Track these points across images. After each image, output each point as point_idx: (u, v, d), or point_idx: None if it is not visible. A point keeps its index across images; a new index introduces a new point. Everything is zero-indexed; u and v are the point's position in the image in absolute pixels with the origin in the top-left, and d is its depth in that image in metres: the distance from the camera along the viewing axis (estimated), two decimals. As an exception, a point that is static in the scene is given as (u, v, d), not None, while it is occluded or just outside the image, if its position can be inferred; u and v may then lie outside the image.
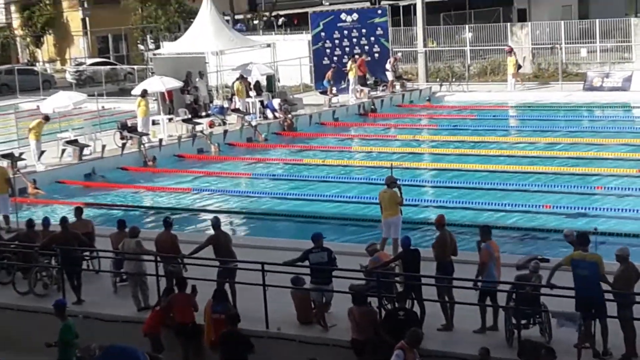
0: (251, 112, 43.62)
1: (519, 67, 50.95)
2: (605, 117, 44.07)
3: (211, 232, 20.02)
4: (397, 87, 50.06)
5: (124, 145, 37.78)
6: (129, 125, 39.33)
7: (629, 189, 29.25)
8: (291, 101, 45.64)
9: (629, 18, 56.53)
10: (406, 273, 17.77)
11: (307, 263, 18.14)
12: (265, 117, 43.45)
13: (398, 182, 22.28)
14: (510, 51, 51.39)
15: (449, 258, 17.89)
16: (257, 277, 18.15)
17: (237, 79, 44.45)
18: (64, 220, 21.23)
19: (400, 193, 21.92)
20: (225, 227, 20.77)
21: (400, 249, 18.98)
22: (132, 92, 43.42)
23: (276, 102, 43.96)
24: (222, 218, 24.34)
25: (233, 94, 44.90)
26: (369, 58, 50.32)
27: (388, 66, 49.88)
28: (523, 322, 16.53)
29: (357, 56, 49.33)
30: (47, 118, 36.14)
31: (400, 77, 50.85)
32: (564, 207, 27.67)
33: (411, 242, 18.16)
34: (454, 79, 52.37)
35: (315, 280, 18.10)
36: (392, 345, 15.62)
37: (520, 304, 16.43)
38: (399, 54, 53.15)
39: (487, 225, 18.48)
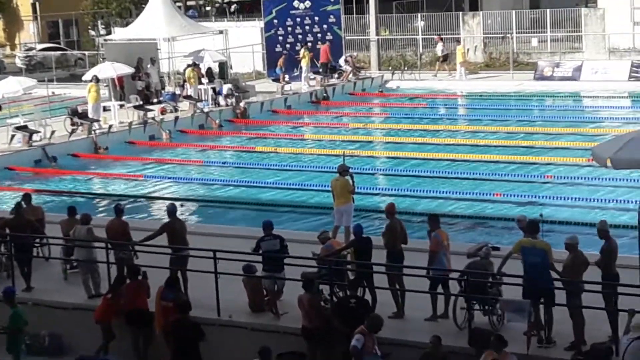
0: (203, 99, 43.44)
1: (445, 57, 51.37)
2: (556, 107, 44.46)
3: (163, 219, 19.92)
4: (350, 75, 50.06)
5: (73, 131, 37.52)
6: (80, 111, 39.01)
7: (578, 177, 29.53)
8: (243, 88, 45.54)
9: (579, 8, 56.93)
10: (358, 261, 17.83)
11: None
12: (218, 104, 43.31)
13: (350, 170, 22.33)
14: (440, 40, 51.85)
15: (399, 246, 17.97)
16: (209, 264, 18.13)
17: (189, 66, 44.25)
18: (18, 205, 21.08)
19: (352, 181, 21.97)
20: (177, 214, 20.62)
21: (352, 237, 19.03)
22: (83, 78, 43.04)
23: (226, 88, 43.79)
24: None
25: (185, 81, 44.70)
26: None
27: (342, 62, 49.89)
28: (477, 308, 16.70)
29: (309, 44, 49.26)
30: None
31: (353, 65, 50.80)
32: (514, 196, 27.88)
33: (363, 230, 18.21)
34: (406, 68, 52.50)
35: (267, 268, 18.11)
36: (343, 332, 15.71)
37: (473, 291, 16.57)
38: (355, 54, 53.10)
39: (436, 214, 18.63)
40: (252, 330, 17.63)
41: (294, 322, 17.26)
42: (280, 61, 47.99)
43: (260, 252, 18.10)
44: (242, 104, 42.80)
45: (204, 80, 44.45)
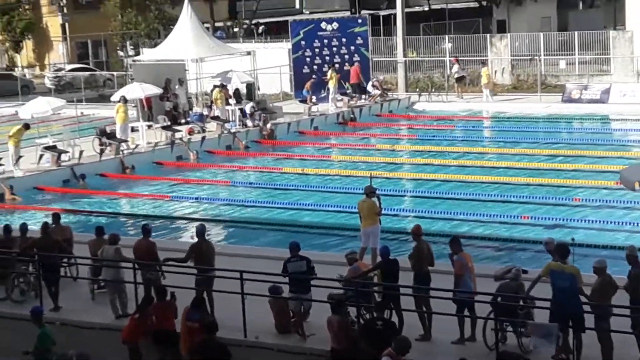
0: (230, 120, 43.57)
1: (460, 79, 51.30)
2: (584, 129, 44.28)
3: (190, 239, 19.95)
4: (378, 97, 50.13)
5: (102, 151, 37.72)
6: (108, 131, 39.27)
7: (606, 200, 29.38)
8: (270, 109, 45.62)
9: (607, 31, 56.85)
10: (385, 283, 17.80)
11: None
12: (245, 125, 43.41)
13: (377, 192, 22.30)
14: (456, 62, 51.85)
15: (426, 268, 17.92)
16: (236, 285, 18.13)
17: (216, 87, 44.39)
18: (45, 225, 21.17)
19: (379, 203, 21.96)
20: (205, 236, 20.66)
21: (379, 259, 19.00)
22: (112, 99, 43.36)
23: (248, 107, 43.84)
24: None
25: (212, 102, 44.89)
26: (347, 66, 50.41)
27: (370, 88, 49.93)
28: (509, 330, 16.68)
29: (337, 65, 49.38)
30: (27, 126, 36.00)
31: (381, 88, 50.83)
32: (542, 218, 27.75)
33: (390, 252, 18.18)
34: (433, 89, 52.50)
35: (294, 289, 18.10)
36: (370, 355, 15.64)
37: (504, 314, 16.52)
38: (382, 77, 53.13)
39: (457, 236, 18.49)
40: (279, 351, 17.61)
41: (321, 343, 17.24)
42: (308, 85, 47.99)
43: (287, 273, 18.10)
44: (269, 125, 42.87)
45: (232, 101, 44.59)
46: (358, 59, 51.07)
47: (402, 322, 17.33)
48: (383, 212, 22.36)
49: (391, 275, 17.74)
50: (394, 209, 28.50)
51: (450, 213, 28.88)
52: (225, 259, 21.09)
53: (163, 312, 17.90)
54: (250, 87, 47.47)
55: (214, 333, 16.63)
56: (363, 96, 49.75)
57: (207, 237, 20.11)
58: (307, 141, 43.03)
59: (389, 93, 51.61)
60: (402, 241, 25.13)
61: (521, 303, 16.79)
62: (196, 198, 32.86)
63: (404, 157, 39.36)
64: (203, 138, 41.11)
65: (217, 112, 43.54)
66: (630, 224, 26.88)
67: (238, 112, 43.87)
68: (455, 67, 52.06)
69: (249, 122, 43.41)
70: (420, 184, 33.41)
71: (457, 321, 17.25)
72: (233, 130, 42.28)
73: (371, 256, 21.45)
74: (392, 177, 34.48)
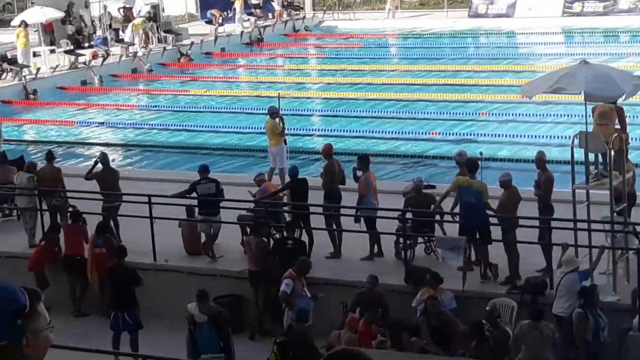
0: (135, 42, 42.76)
1: None
2: (490, 44, 44.49)
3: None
4: (285, 15, 49.59)
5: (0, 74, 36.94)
6: (9, 57, 38.35)
7: (511, 114, 29.65)
8: (176, 31, 44.92)
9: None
10: (294, 202, 17.78)
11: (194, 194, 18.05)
12: (146, 48, 42.62)
13: (280, 112, 22.01)
14: None
15: (337, 187, 17.93)
16: (144, 209, 17.96)
17: (142, 18, 43.20)
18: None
19: (282, 123, 21.70)
20: (110, 160, 20.37)
21: (287, 179, 18.96)
22: (12, 23, 42.32)
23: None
24: (107, 151, 24.10)
25: (110, 25, 43.87)
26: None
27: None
28: (420, 241, 16.90)
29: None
30: None
31: (291, 4, 50.20)
32: (450, 134, 27.95)
33: (298, 172, 18.14)
34: (340, 7, 52.16)
35: (203, 211, 18.00)
36: (280, 274, 15.68)
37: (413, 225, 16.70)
38: None
39: (366, 155, 18.50)
40: (189, 274, 17.56)
41: (231, 265, 17.25)
42: (215, 12, 46.93)
43: (196, 195, 17.99)
44: (188, 51, 42.17)
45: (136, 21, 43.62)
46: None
47: (312, 241, 17.36)
48: (294, 132, 22.21)
49: (300, 194, 17.73)
50: (302, 129, 28.42)
51: (359, 131, 28.91)
52: (133, 182, 20.88)
53: (75, 236, 17.69)
54: (155, 8, 46.60)
55: (123, 257, 16.49)
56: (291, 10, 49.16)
57: (110, 164, 19.78)
58: (214, 63, 42.55)
59: (296, 12, 50.94)
60: (312, 160, 25.11)
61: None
62: (102, 123, 32.35)
63: (312, 76, 39.18)
64: (104, 59, 40.16)
65: (127, 37, 42.38)
66: (534, 136, 27.15)
67: (142, 35, 43.01)
68: None
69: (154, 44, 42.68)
70: (328, 102, 33.34)
71: (365, 238, 17.35)
72: (140, 53, 41.50)
73: (279, 176, 21.37)
74: (300, 96, 34.30)
